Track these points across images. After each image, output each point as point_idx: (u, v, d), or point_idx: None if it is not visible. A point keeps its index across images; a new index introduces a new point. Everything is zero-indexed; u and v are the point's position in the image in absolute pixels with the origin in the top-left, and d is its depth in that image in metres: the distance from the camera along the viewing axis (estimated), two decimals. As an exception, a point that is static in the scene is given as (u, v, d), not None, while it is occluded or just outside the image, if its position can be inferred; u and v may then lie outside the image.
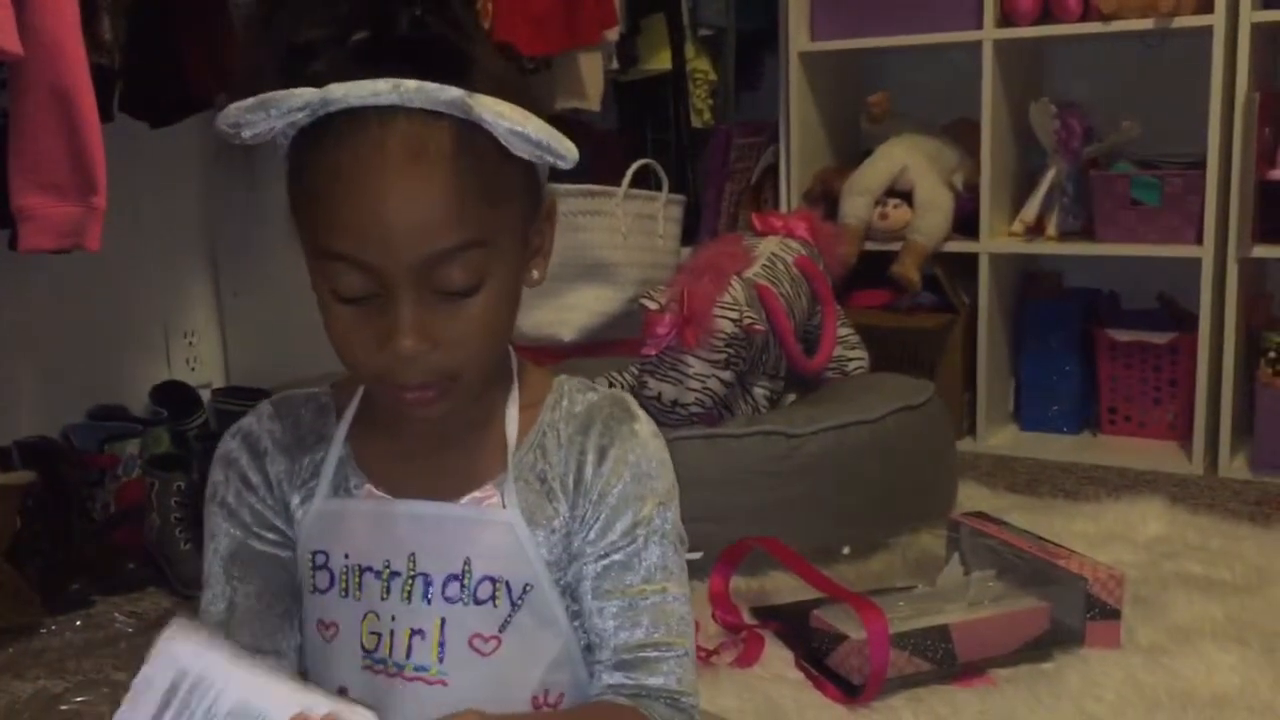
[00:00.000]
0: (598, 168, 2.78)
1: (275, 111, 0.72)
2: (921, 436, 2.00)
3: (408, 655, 0.81)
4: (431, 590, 0.80)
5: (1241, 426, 2.45)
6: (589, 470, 0.82)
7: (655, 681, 0.82)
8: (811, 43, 2.76)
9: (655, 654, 0.82)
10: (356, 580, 0.82)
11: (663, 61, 2.81)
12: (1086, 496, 2.20)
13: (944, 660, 1.47)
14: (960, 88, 2.63)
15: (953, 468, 2.14)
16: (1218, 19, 2.33)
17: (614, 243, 2.58)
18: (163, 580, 1.93)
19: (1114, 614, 1.54)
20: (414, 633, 0.81)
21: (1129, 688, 1.41)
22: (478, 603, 0.80)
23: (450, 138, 0.73)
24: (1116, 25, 2.45)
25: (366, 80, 0.72)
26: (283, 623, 0.85)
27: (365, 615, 0.82)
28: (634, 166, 2.59)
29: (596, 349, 2.53)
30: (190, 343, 2.36)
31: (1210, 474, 2.39)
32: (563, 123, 2.84)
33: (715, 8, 2.84)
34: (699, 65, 2.87)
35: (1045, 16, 2.52)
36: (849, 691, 1.43)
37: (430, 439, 0.84)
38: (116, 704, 1.53)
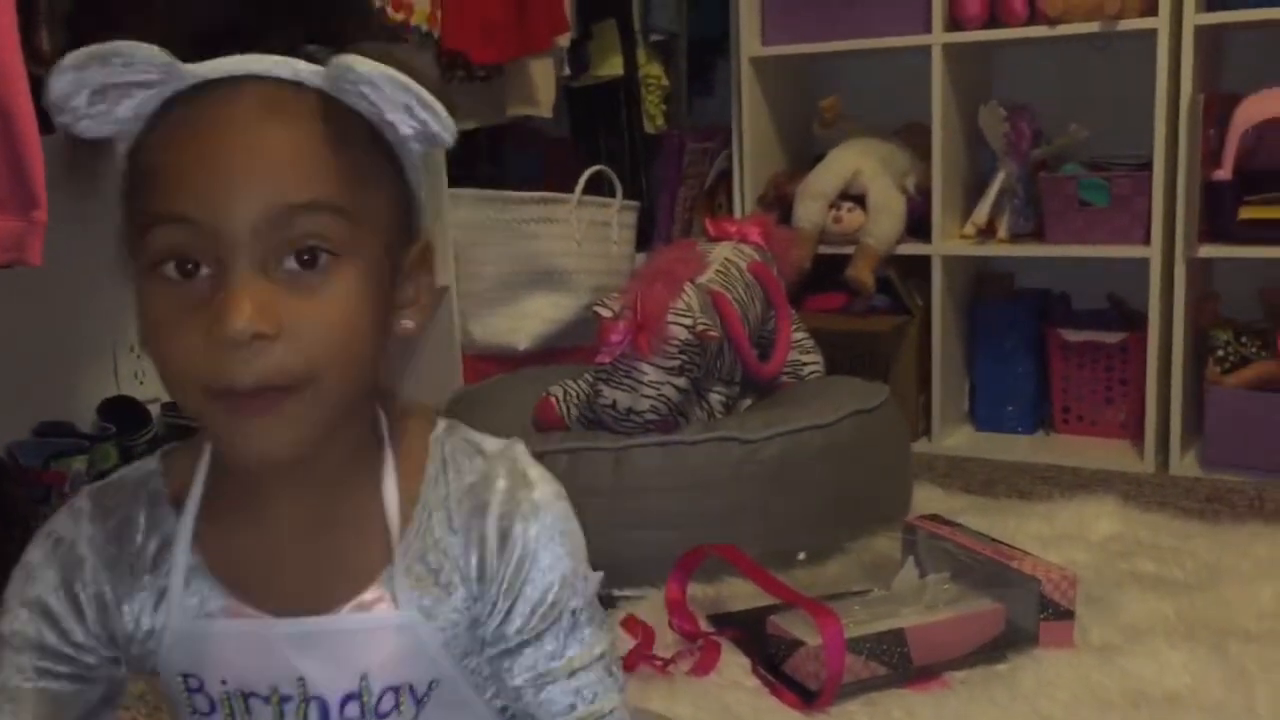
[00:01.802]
0: (551, 175, 2.78)
1: (117, 63, 0.63)
2: (876, 440, 2.00)
3: None
4: (329, 714, 0.72)
5: (1191, 425, 2.48)
6: (491, 558, 0.73)
7: None
8: (763, 48, 2.77)
9: None
10: (242, 705, 0.73)
11: (614, 67, 2.81)
12: (1041, 496, 2.21)
13: (899, 664, 1.47)
14: (911, 91, 2.65)
15: (908, 470, 2.15)
16: (1162, 22, 2.36)
17: (568, 250, 2.58)
18: (112, 599, 1.90)
19: (1067, 614, 1.55)
20: None
21: (1082, 687, 1.42)
22: (380, 717, 0.73)
23: (312, 104, 0.65)
24: (1062, 29, 2.47)
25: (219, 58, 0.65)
26: None
27: None
28: (587, 173, 2.59)
29: (551, 357, 2.53)
30: (138, 356, 2.32)
31: (1161, 472, 2.42)
32: (515, 130, 2.83)
33: (667, 14, 2.85)
34: (651, 71, 2.88)
35: (992, 20, 2.54)
36: (805, 697, 1.43)
37: (296, 528, 0.72)
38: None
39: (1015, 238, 2.60)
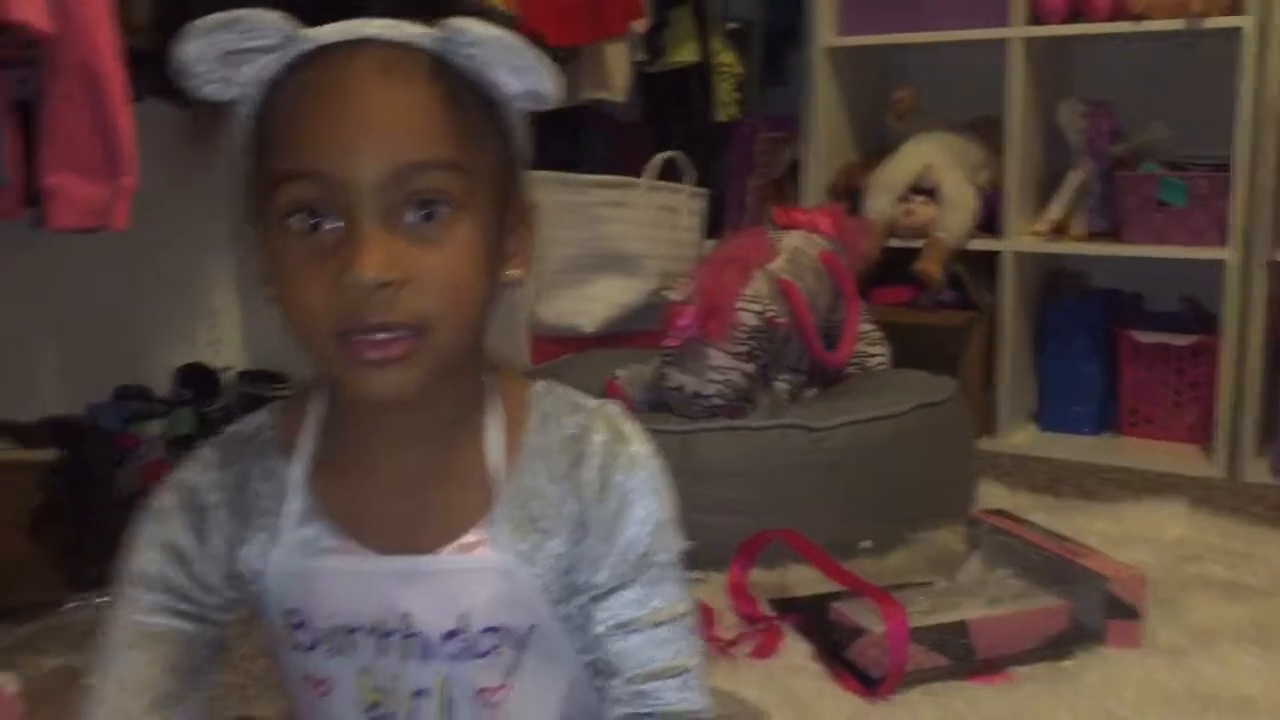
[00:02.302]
0: (622, 159, 2.79)
1: (241, 29, 0.67)
2: (942, 433, 1.99)
3: (413, 715, 0.76)
4: (431, 649, 0.75)
5: (1264, 430, 2.44)
6: (590, 506, 0.76)
7: (670, 707, 0.77)
8: (838, 38, 2.76)
9: (670, 680, 0.77)
10: (347, 640, 0.75)
11: (689, 54, 2.81)
12: (1107, 497, 2.19)
13: (962, 656, 1.47)
14: (987, 85, 2.62)
15: (972, 465, 2.13)
16: (1249, 20, 2.31)
17: (637, 234, 2.59)
18: (183, 560, 1.94)
19: (1134, 614, 1.53)
20: (417, 693, 0.75)
21: (1149, 687, 1.40)
22: (480, 656, 0.75)
23: (425, 65, 0.69)
24: (1147, 25, 2.43)
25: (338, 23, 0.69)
26: (179, 689, 0.79)
27: (361, 672, 0.76)
28: (658, 159, 2.59)
29: (615, 340, 2.54)
30: (214, 325, 2.37)
31: (1232, 478, 2.38)
32: (588, 114, 2.85)
33: (743, 2, 2.84)
34: (725, 59, 2.88)
35: (1075, 15, 2.51)
36: (867, 684, 1.43)
37: (404, 475, 0.76)
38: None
39: (1089, 236, 2.57)
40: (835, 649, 1.51)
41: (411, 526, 0.75)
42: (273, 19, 0.68)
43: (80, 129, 1.61)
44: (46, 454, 1.86)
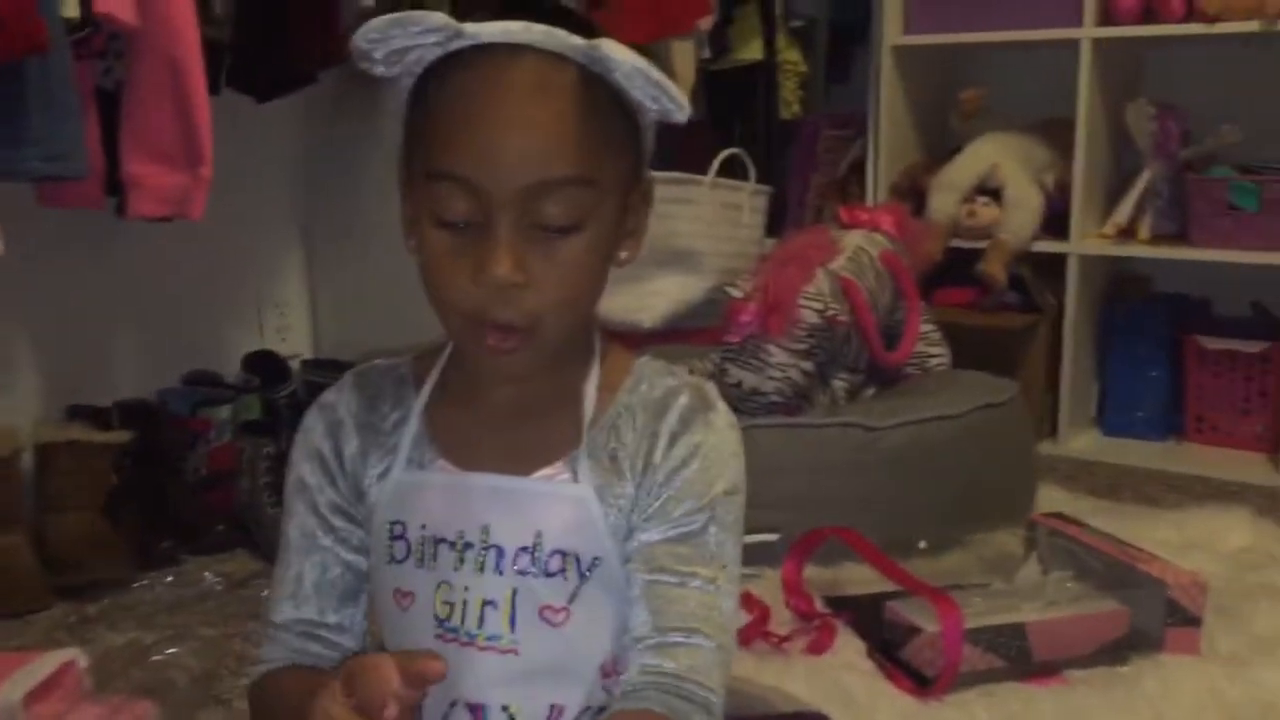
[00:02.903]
0: (685, 156, 2.79)
1: (413, 29, 0.75)
2: (1002, 435, 1.98)
3: (480, 624, 0.82)
4: (503, 562, 0.82)
5: (1334, 441, 2.40)
6: (659, 454, 0.82)
7: (673, 667, 0.79)
8: (904, 36, 2.74)
9: (682, 640, 0.80)
10: (432, 550, 0.83)
11: (754, 52, 2.81)
12: (1169, 504, 2.16)
13: (1018, 658, 1.46)
14: (1054, 86, 2.60)
15: (1032, 468, 2.12)
16: (1326, 22, 2.28)
17: (699, 231, 2.59)
18: (250, 542, 1.99)
19: (1194, 621, 1.52)
20: (486, 603, 0.82)
21: (1208, 695, 1.39)
22: (548, 575, 0.82)
23: (573, 78, 0.76)
24: (1220, 27, 2.40)
25: (499, 20, 0.75)
26: (344, 601, 0.89)
27: (439, 585, 0.83)
28: (721, 155, 2.60)
29: (675, 337, 2.55)
30: (282, 314, 2.41)
31: (1298, 487, 2.34)
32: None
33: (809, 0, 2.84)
34: (790, 56, 2.88)
35: (1148, 16, 2.48)
36: (921, 683, 1.43)
37: (506, 413, 0.85)
38: (204, 657, 1.58)
39: (1156, 239, 2.53)
40: (889, 648, 1.51)
41: (505, 454, 0.84)
42: (439, 19, 0.74)
43: (161, 119, 1.65)
44: (120, 436, 1.91)
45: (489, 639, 0.82)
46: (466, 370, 0.86)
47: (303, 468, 0.88)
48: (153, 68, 1.62)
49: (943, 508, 1.86)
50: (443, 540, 0.83)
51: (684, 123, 0.78)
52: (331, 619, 0.88)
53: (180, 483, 2.03)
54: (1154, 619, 1.51)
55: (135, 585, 1.84)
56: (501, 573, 0.82)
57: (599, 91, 0.76)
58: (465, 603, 0.82)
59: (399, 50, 0.76)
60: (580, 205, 0.76)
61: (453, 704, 0.83)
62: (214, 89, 1.81)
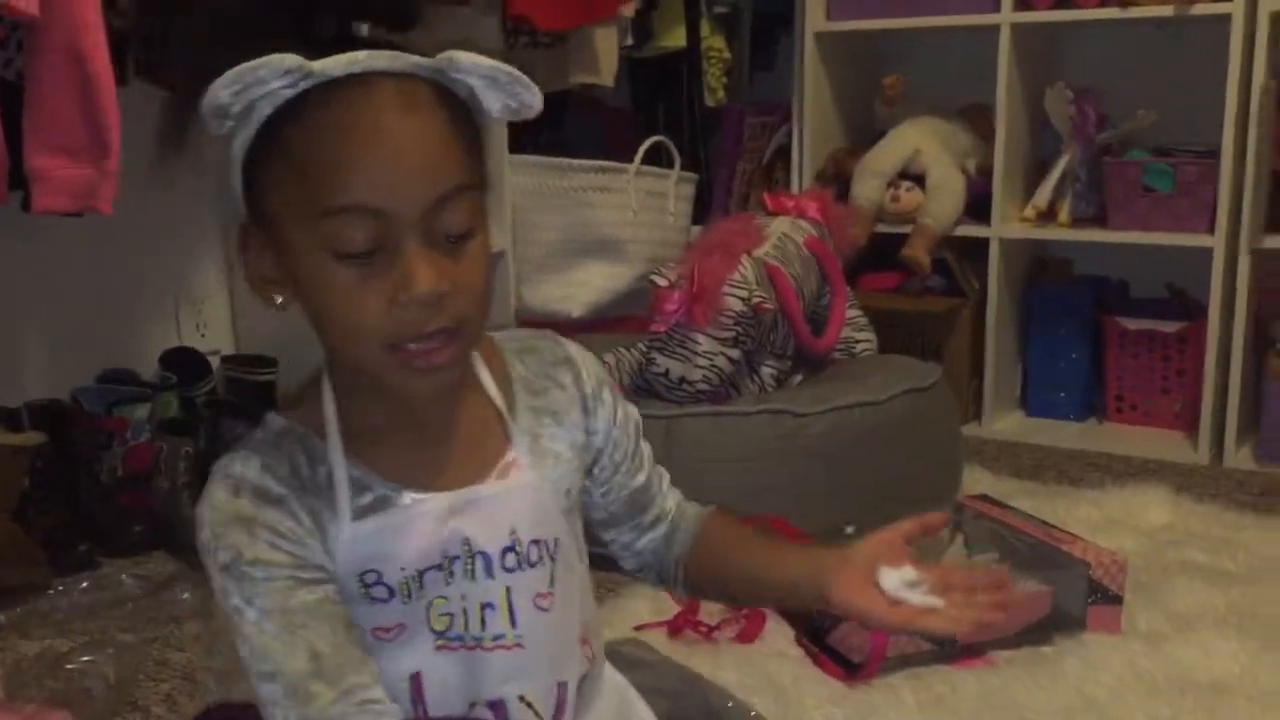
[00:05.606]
0: (610, 144, 2.78)
1: (264, 73, 0.73)
2: (927, 419, 2.00)
3: (483, 627, 0.84)
4: (492, 565, 0.84)
5: (1248, 418, 2.45)
6: (572, 386, 0.90)
7: (689, 506, 1.01)
8: (827, 23, 2.75)
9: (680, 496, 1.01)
10: (418, 583, 0.82)
11: (677, 39, 2.80)
12: (1091, 483, 2.20)
13: (944, 640, 1.47)
14: (975, 71, 2.62)
15: (958, 451, 2.14)
16: (1236, 7, 2.31)
17: (624, 220, 2.59)
18: (169, 543, 1.94)
19: (1115, 599, 1.54)
20: (484, 606, 0.84)
21: (1128, 673, 1.42)
22: (531, 566, 0.85)
23: (430, 94, 0.77)
24: (1135, 11, 2.43)
25: (340, 55, 0.75)
26: (365, 654, 0.81)
27: (429, 604, 0.83)
28: (646, 144, 2.59)
29: (602, 325, 2.54)
30: (200, 309, 2.36)
31: (1215, 464, 2.39)
32: (576, 98, 2.84)
33: (732, -15, 2.84)
34: (714, 43, 2.87)
35: (1064, 1, 2.51)
36: (848, 669, 1.44)
37: (439, 426, 0.85)
38: (122, 664, 1.54)
39: (1076, 222, 2.57)
40: (817, 634, 1.52)
41: (457, 465, 0.85)
42: (288, 61, 0.73)
43: (66, 111, 1.60)
44: (32, 438, 1.85)
45: (495, 639, 0.84)
46: (384, 400, 0.82)
47: (253, 549, 0.79)
48: (55, 59, 1.57)
49: (870, 492, 1.87)
50: (428, 569, 0.83)
51: (538, 114, 0.80)
52: (368, 679, 0.79)
53: (96, 484, 1.98)
54: (1077, 599, 1.54)
55: (50, 591, 1.79)
56: (492, 575, 0.84)
57: (452, 99, 0.79)
58: (465, 610, 0.83)
59: (251, 101, 0.74)
60: (473, 209, 0.78)
61: (472, 704, 0.85)
62: (122, 80, 1.76)
